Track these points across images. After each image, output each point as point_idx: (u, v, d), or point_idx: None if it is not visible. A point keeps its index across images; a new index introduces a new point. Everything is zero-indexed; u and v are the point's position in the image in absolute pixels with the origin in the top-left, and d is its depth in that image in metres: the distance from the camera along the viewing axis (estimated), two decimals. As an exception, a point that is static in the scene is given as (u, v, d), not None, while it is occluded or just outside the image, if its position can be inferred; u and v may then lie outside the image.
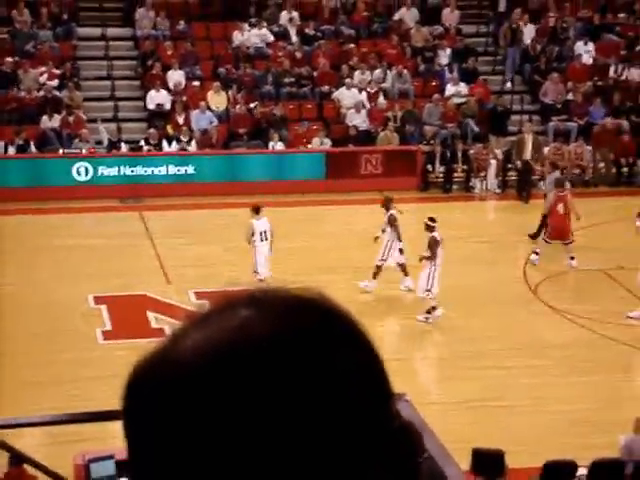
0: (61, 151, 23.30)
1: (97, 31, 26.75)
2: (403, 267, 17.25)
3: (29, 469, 8.79)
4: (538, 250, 19.02)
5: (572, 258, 18.65)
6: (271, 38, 26.81)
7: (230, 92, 25.31)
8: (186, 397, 0.89)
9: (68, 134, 23.75)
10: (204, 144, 24.20)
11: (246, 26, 26.64)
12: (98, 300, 16.90)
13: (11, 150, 23.08)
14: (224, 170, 23.53)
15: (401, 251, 17.20)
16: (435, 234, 16.19)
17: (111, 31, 26.84)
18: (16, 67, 24.84)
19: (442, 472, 4.15)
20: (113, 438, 11.33)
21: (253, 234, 16.97)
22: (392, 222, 17.08)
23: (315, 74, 26.18)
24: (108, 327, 15.96)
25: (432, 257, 16.09)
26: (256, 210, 17.16)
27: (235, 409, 0.87)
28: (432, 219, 16.37)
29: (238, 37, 26.52)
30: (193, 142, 24.03)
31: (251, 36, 26.65)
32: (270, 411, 0.88)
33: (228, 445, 0.87)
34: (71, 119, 23.95)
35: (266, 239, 17.00)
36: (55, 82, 24.81)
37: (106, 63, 26.18)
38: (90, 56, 26.34)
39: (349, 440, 0.90)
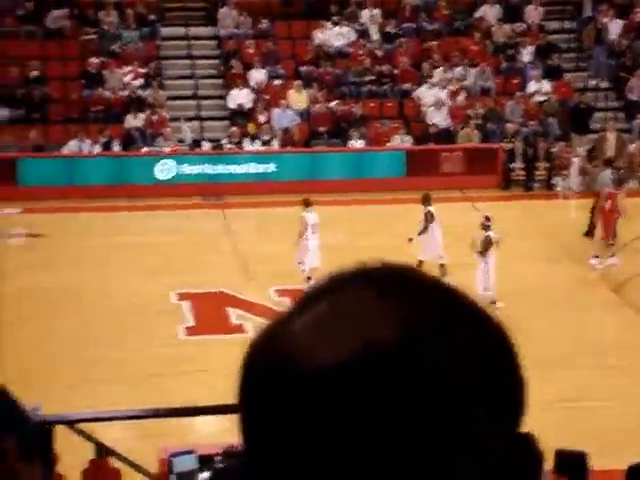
0: (144, 149, 23.67)
1: (181, 30, 27.08)
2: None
3: (113, 461, 8.98)
4: (598, 254, 18.70)
5: (596, 257, 18.37)
6: (352, 36, 26.84)
7: (311, 90, 25.42)
8: (296, 377, 0.89)
9: (151, 133, 24.12)
10: (285, 142, 24.35)
11: (328, 25, 26.71)
12: (180, 296, 17.12)
13: (96, 149, 23.51)
14: (305, 168, 23.63)
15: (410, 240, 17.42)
16: (490, 233, 16.41)
17: (194, 30, 27.15)
18: (102, 67, 25.29)
19: None
20: (194, 433, 11.51)
21: (306, 228, 17.32)
22: (427, 219, 17.45)
23: (396, 72, 26.14)
24: (190, 323, 16.16)
25: (483, 254, 16.28)
26: (307, 203, 17.65)
27: (353, 392, 0.86)
28: (487, 218, 16.61)
29: (319, 36, 26.61)
30: (274, 140, 24.19)
31: (332, 35, 26.71)
32: (389, 393, 0.86)
33: (345, 427, 0.86)
34: (154, 118, 24.31)
35: (315, 232, 17.43)
36: (139, 82, 25.20)
37: (189, 62, 26.49)
38: (174, 55, 26.69)
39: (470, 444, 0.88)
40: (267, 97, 25.20)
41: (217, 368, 13.68)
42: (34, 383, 12.83)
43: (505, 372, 0.92)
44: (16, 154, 23.02)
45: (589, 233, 19.68)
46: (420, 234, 17.47)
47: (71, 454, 7.64)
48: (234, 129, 24.17)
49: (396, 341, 0.88)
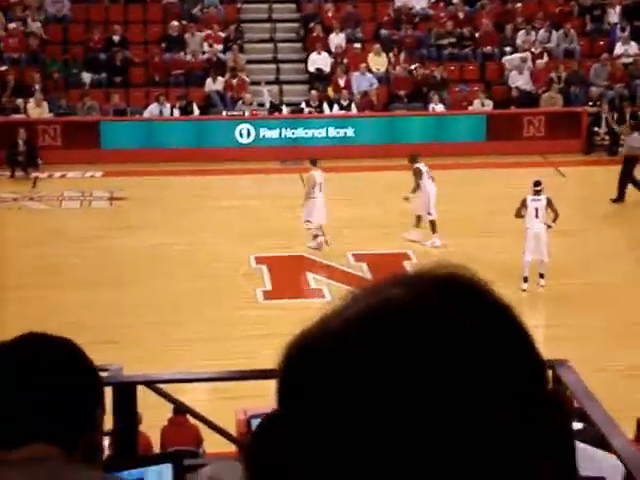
0: (224, 113, 23.76)
1: (261, -7, 27.07)
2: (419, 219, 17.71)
3: (192, 420, 9.09)
4: None
5: None
6: (433, -2, 26.54)
7: (391, 54, 25.21)
8: (337, 369, 0.92)
9: (231, 97, 24.20)
10: (364, 106, 24.22)
11: (408, -14, 26.43)
12: (259, 260, 17.22)
13: (176, 112, 23.68)
14: (384, 132, 23.50)
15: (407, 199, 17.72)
16: (542, 198, 15.92)
17: (274, -7, 27.11)
18: (183, 31, 25.41)
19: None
20: (273, 396, 11.59)
21: (314, 186, 17.47)
22: (417, 176, 17.72)
23: (477, 35, 25.77)
24: (268, 287, 16.25)
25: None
26: (313, 162, 17.83)
27: (386, 381, 0.90)
28: (537, 183, 16.15)
29: (400, -2, 26.37)
30: (353, 104, 24.09)
31: (413, -3, 26.43)
32: (416, 385, 0.90)
33: (382, 416, 0.89)
34: (234, 82, 24.38)
35: (321, 190, 17.53)
36: (220, 45, 25.27)
37: (269, 26, 26.46)
38: (254, 19, 26.68)
39: (499, 411, 0.90)
40: (346, 61, 25.06)
41: (296, 332, 13.74)
42: (118, 344, 13.05)
43: (504, 338, 0.94)
44: (98, 118, 23.31)
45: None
46: (413, 192, 17.75)
47: (151, 414, 7.74)
48: (313, 93, 24.12)
49: (409, 300, 0.93)
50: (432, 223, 17.65)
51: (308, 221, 17.50)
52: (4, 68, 23.90)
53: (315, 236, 17.41)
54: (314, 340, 0.97)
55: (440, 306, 0.93)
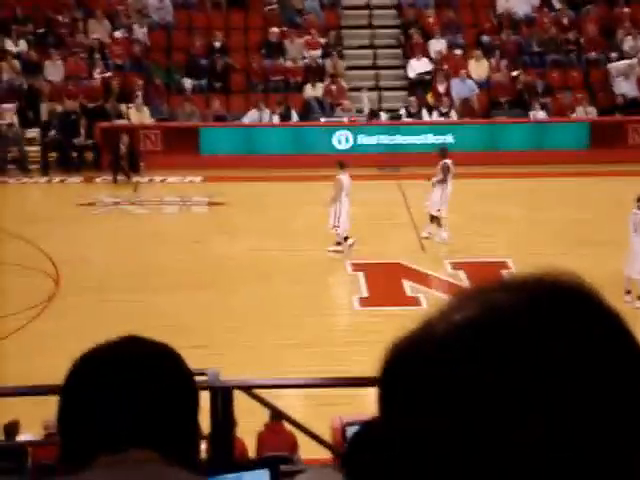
0: (322, 119, 23.78)
1: (362, 0, 27.04)
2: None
3: (288, 426, 9.05)
4: None
5: None
6: (536, 3, 26.14)
7: (492, 60, 24.93)
8: (443, 375, 0.92)
9: (330, 103, 24.22)
10: (464, 113, 23.99)
11: (511, -8, 26.13)
12: (355, 267, 17.15)
13: (275, 118, 23.80)
14: (484, 139, 23.24)
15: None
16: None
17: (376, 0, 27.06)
18: (283, 37, 25.55)
19: None
20: (368, 404, 11.50)
21: (341, 190, 17.35)
22: (444, 170, 17.67)
23: (582, 40, 25.31)
24: (364, 294, 16.17)
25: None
26: (342, 165, 17.64)
27: (492, 389, 0.89)
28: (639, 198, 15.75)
29: (502, 3, 26.04)
30: (453, 111, 23.88)
31: (516, 2, 26.09)
32: (524, 393, 0.89)
33: (489, 425, 0.89)
34: (333, 88, 24.40)
35: (347, 195, 17.42)
36: (319, 51, 25.32)
37: (369, 32, 26.42)
38: (354, 25, 26.67)
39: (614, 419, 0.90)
40: (446, 67, 24.87)
41: (392, 340, 13.63)
42: (213, 348, 13.12)
43: (614, 346, 0.92)
44: (199, 123, 23.56)
45: None
46: (440, 182, 17.81)
47: (245, 419, 7.73)
48: (412, 99, 23.99)
49: (516, 306, 0.92)
50: (437, 218, 17.85)
51: (336, 226, 17.40)
52: (109, 74, 24.35)
53: (346, 238, 17.35)
54: (419, 345, 0.96)
55: (547, 312, 0.92)
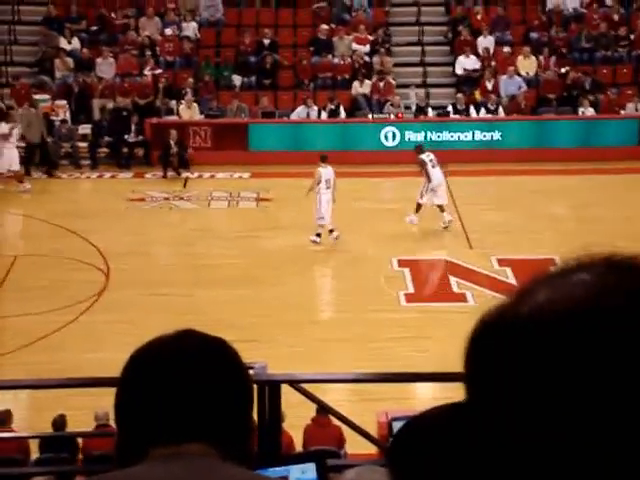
0: (370, 116, 23.85)
1: (411, -4, 27.06)
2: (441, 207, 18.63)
3: (334, 421, 9.17)
4: None
5: None
6: (586, -1, 26.01)
7: (541, 57, 24.83)
8: (532, 355, 0.90)
9: (377, 99, 24.28)
10: (512, 110, 23.93)
11: (560, -12, 25.98)
12: (402, 263, 17.22)
13: (323, 115, 23.90)
14: (531, 136, 23.16)
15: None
16: None
17: (424, -4, 27.06)
18: (331, 34, 25.64)
19: None
20: (414, 399, 11.58)
21: (319, 182, 17.95)
22: (421, 165, 18.81)
23: (632, 37, 25.11)
24: (410, 290, 16.24)
25: None
26: (323, 159, 18.29)
27: (583, 370, 0.87)
28: None
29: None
30: (500, 108, 23.83)
31: (566, -2, 25.96)
32: (619, 374, 0.87)
33: (573, 404, 0.87)
34: (381, 85, 24.45)
35: (329, 187, 17.94)
36: (367, 48, 25.39)
37: (417, 29, 26.42)
38: (402, 22, 26.69)
39: None
40: (494, 64, 24.81)
41: (438, 336, 13.71)
42: (259, 342, 13.27)
43: None
44: (247, 120, 23.74)
45: None
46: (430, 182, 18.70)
47: (291, 413, 7.86)
48: (459, 96, 23.98)
49: (624, 304, 0.89)
50: (418, 206, 18.67)
51: (321, 218, 17.93)
52: (159, 71, 24.61)
53: (331, 231, 17.88)
54: (505, 327, 0.94)
55: (633, 289, 0.90)
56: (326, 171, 18.22)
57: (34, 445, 9.99)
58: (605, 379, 0.86)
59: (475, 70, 24.86)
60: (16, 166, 21.06)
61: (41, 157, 22.20)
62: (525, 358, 0.90)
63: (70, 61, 24.68)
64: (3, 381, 7.49)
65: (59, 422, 10.13)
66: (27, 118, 22.07)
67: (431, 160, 18.95)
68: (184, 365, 1.71)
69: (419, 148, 19.59)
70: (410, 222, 18.65)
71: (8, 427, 10.13)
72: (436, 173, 18.81)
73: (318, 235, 17.82)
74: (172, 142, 22.20)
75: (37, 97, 23.35)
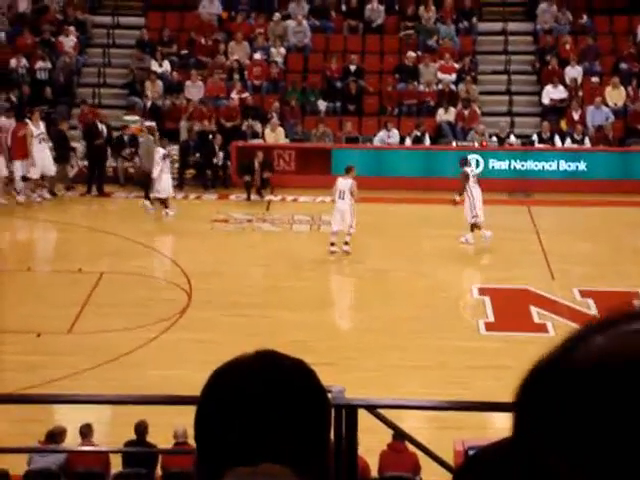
0: (454, 144, 23.83)
1: (498, 26, 27.00)
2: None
3: (410, 447, 9.17)
4: None
5: None
6: (677, 31, 25.65)
7: (630, 88, 24.55)
8: (585, 403, 0.92)
9: (462, 127, 24.26)
10: (598, 140, 23.68)
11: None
12: (482, 291, 17.13)
13: (408, 141, 23.95)
14: (618, 167, 22.88)
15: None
16: None
17: (512, 26, 26.98)
18: (418, 61, 25.73)
19: None
20: (492, 429, 11.51)
21: (335, 191, 18.81)
22: (463, 179, 18.97)
23: None
24: (490, 318, 16.14)
25: None
26: (347, 170, 19.17)
27: (631, 426, 0.89)
28: None
29: (642, 31, 25.65)
30: (587, 138, 23.61)
31: (656, 29, 25.65)
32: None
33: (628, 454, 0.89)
34: (466, 112, 24.43)
35: (341, 198, 18.78)
36: (453, 76, 25.40)
37: (504, 58, 26.36)
38: (489, 51, 26.65)
39: None
40: (582, 94, 24.61)
41: (518, 366, 13.59)
42: (336, 366, 13.32)
43: None
44: (331, 145, 23.90)
45: None
46: (460, 195, 19.23)
47: (364, 438, 7.89)
48: (545, 124, 23.82)
49: None
50: (473, 225, 18.94)
51: (350, 226, 18.66)
52: (246, 95, 24.96)
53: (346, 243, 18.61)
54: (557, 370, 0.96)
55: None
56: (343, 182, 18.93)
57: (115, 459, 10.18)
58: None
59: (562, 100, 24.68)
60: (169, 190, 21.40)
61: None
62: (580, 406, 0.91)
63: (160, 84, 25.18)
64: (86, 396, 7.68)
65: (140, 428, 10.29)
66: (146, 145, 22.14)
67: (474, 176, 19.27)
68: (264, 386, 1.71)
69: (464, 161, 19.94)
70: (465, 242, 18.92)
71: (89, 441, 10.36)
72: (475, 190, 19.06)
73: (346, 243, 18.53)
74: (257, 165, 22.46)
75: (127, 118, 23.85)
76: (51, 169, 22.37)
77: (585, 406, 0.91)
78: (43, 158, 22.14)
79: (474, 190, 19.20)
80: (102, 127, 23.06)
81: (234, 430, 1.66)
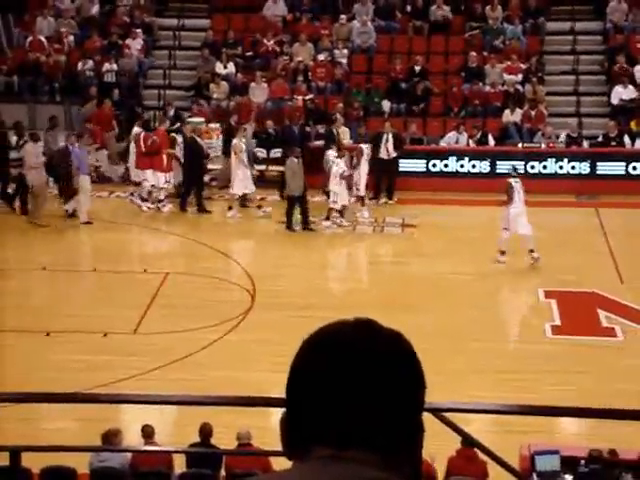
0: (520, 145, 23.55)
1: (566, 25, 26.65)
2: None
3: (479, 453, 9.04)
4: None
5: None
6: None
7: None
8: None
9: (529, 128, 23.97)
10: (668, 141, 23.25)
11: None
12: (548, 294, 16.90)
13: (472, 142, 23.73)
14: (688, 169, 22.43)
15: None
16: None
17: (580, 25, 26.61)
18: (483, 62, 25.49)
19: None
20: (559, 433, 11.33)
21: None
22: (508, 189, 18.01)
23: None
24: (557, 322, 15.91)
25: None
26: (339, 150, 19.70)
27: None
28: None
29: None
30: (656, 139, 23.19)
31: None
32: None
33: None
34: (533, 113, 24.13)
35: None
36: (519, 77, 25.12)
37: (572, 58, 26.00)
38: (557, 51, 26.31)
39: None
40: (650, 94, 24.18)
41: (585, 370, 13.40)
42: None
43: None
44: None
45: None
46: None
47: (429, 443, 7.79)
48: (611, 123, 23.42)
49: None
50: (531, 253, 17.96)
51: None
52: (311, 96, 24.94)
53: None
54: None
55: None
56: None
57: (178, 460, 10.21)
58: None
59: (632, 100, 24.26)
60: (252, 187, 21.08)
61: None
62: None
63: (225, 85, 25.27)
64: (151, 396, 7.70)
65: (205, 430, 10.32)
66: (291, 168, 20.29)
67: (518, 187, 18.42)
68: (362, 359, 1.62)
69: (512, 170, 19.43)
70: (500, 260, 18.06)
71: (152, 440, 10.40)
72: (518, 201, 18.23)
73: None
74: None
75: (192, 120, 23.94)
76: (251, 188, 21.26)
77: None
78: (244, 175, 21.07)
79: (518, 202, 18.23)
80: (201, 142, 22.05)
81: (326, 404, 1.57)
